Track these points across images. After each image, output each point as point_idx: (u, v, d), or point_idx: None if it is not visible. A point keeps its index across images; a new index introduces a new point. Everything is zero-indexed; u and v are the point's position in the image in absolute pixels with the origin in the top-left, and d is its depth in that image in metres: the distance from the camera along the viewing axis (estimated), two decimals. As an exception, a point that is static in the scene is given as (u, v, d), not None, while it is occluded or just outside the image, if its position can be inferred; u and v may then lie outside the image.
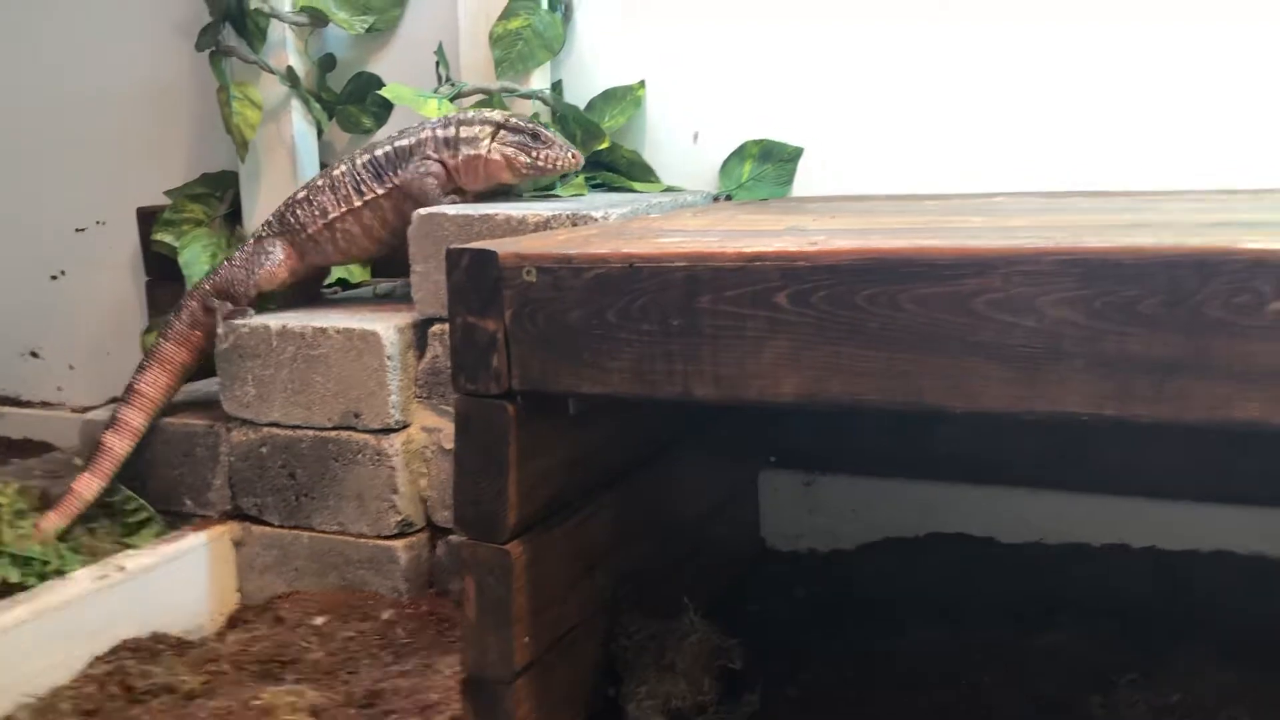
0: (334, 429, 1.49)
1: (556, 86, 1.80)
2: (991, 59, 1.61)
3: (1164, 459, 1.43)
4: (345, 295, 1.79)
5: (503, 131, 1.52)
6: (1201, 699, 1.17)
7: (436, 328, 1.47)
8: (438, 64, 1.78)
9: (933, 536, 1.62)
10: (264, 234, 1.62)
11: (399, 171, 1.54)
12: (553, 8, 1.77)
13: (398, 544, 1.49)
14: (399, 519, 1.48)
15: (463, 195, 1.56)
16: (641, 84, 1.79)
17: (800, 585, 1.57)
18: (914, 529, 1.63)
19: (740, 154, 1.73)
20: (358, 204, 1.56)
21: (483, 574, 1.06)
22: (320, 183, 1.59)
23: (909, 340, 0.88)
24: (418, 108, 1.63)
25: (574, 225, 1.37)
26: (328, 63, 1.93)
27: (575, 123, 1.72)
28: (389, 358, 1.46)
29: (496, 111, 1.58)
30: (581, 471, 1.18)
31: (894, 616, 1.41)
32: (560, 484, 1.13)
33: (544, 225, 1.39)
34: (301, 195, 1.60)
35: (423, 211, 1.48)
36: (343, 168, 1.58)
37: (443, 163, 1.53)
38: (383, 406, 1.47)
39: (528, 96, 1.72)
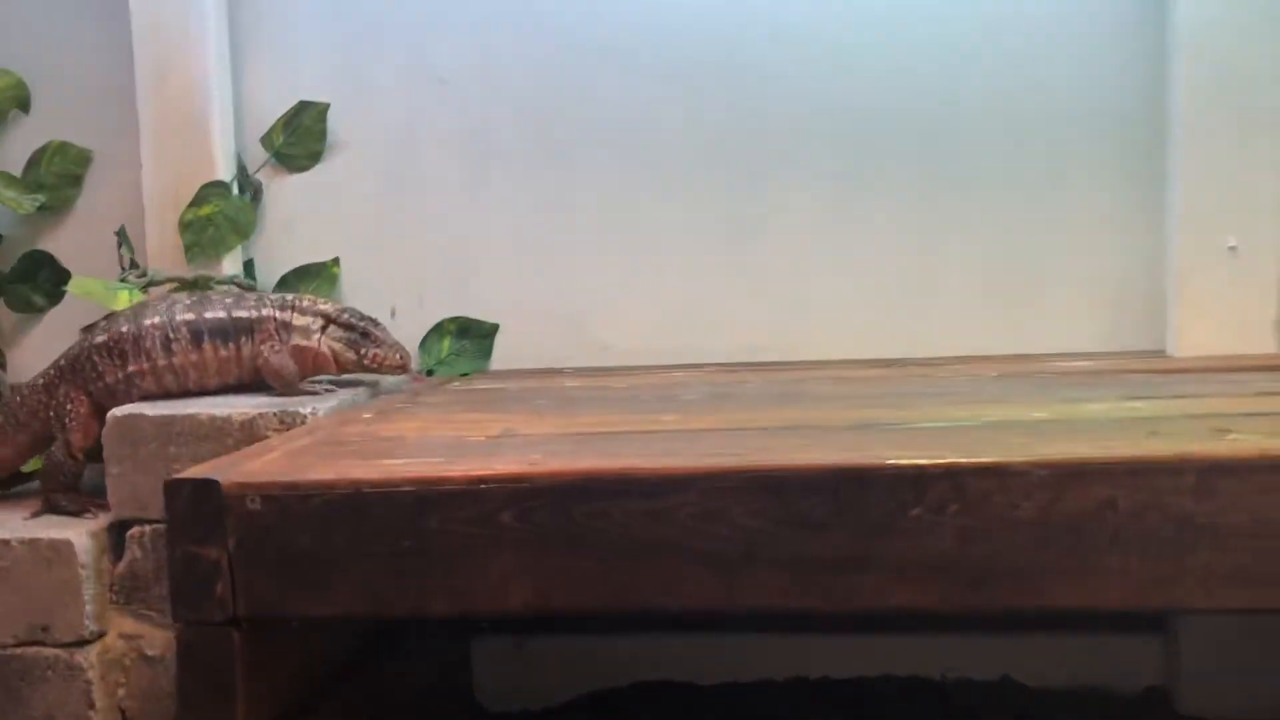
0: (19, 645, 1.39)
1: (249, 265, 1.81)
2: (661, 250, 1.81)
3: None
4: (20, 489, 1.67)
5: (332, 325, 1.51)
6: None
7: (135, 530, 1.42)
8: (120, 246, 1.74)
9: (638, 686, 1.73)
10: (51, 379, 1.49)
11: (245, 344, 1.48)
12: (242, 191, 1.79)
13: (95, 764, 1.40)
14: (96, 735, 1.40)
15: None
16: (335, 261, 1.83)
17: (517, 747, 1.62)
18: (621, 680, 1.73)
19: (439, 331, 1.81)
20: (162, 363, 1.47)
21: (212, 807, 1.04)
22: (125, 329, 1.47)
23: (623, 549, 0.98)
24: (108, 303, 1.58)
25: (281, 423, 1.38)
26: (-8, 240, 1.84)
27: (269, 303, 1.73)
28: (83, 566, 1.39)
29: (329, 303, 1.54)
30: (309, 677, 1.19)
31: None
32: (289, 696, 1.13)
33: (249, 424, 1.39)
34: (100, 340, 1.47)
35: (118, 412, 1.43)
36: (156, 319, 1.47)
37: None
38: (76, 618, 1.39)
39: (224, 282, 1.71)
